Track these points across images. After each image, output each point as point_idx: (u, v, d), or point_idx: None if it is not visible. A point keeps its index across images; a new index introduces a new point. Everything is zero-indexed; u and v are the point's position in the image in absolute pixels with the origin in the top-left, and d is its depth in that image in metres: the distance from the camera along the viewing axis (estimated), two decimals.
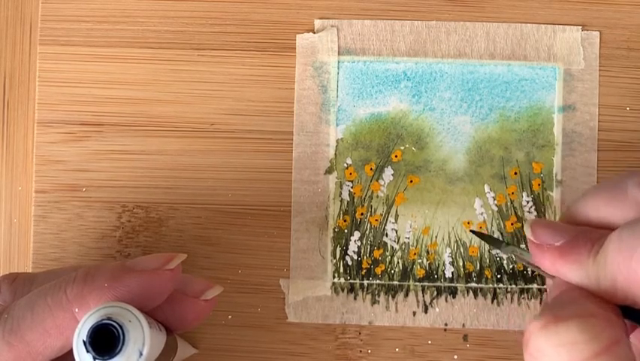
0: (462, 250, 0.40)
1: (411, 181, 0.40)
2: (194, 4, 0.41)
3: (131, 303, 0.30)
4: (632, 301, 0.26)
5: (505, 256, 0.40)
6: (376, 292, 0.40)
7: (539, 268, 0.29)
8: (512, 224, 0.40)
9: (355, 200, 0.40)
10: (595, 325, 0.24)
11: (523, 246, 0.40)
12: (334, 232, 0.40)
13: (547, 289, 0.31)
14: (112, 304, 0.29)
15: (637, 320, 0.27)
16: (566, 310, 0.25)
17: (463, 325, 0.40)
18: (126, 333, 0.28)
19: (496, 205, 0.40)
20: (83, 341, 0.28)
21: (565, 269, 0.27)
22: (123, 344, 0.28)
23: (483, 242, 0.40)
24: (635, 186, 0.27)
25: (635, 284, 0.25)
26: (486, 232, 0.40)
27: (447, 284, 0.40)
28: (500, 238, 0.40)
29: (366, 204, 0.40)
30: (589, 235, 0.27)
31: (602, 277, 0.26)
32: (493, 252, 0.40)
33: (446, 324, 0.40)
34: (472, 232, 0.39)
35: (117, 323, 0.28)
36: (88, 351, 0.28)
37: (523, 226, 0.40)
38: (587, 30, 0.41)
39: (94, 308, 0.29)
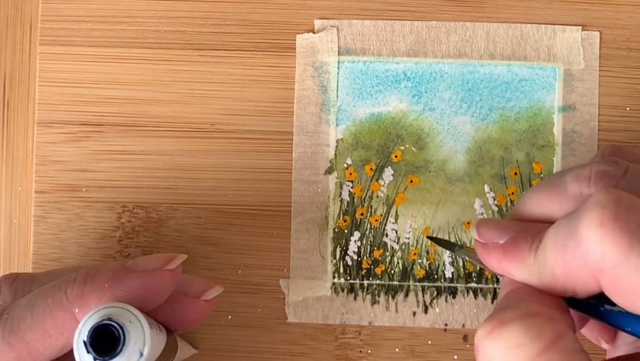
0: None
1: (411, 181, 0.40)
2: (194, 4, 0.41)
3: (132, 303, 0.30)
4: (573, 293, 0.26)
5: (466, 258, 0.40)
6: (376, 293, 0.40)
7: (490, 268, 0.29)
8: None
9: (355, 200, 0.40)
10: (536, 324, 0.25)
11: None
12: (334, 232, 0.40)
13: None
14: (112, 304, 0.29)
15: (585, 310, 0.27)
16: (508, 313, 0.25)
17: (463, 325, 0.40)
18: (126, 333, 0.28)
19: (496, 205, 0.40)
20: (84, 341, 0.28)
21: (509, 267, 0.28)
22: (124, 344, 0.28)
23: None
24: (572, 180, 0.28)
25: (571, 276, 0.26)
26: (439, 237, 0.40)
27: (447, 284, 0.40)
28: (455, 242, 0.40)
29: (366, 205, 0.40)
30: (530, 231, 0.28)
31: (543, 272, 0.26)
32: (450, 254, 0.40)
33: (446, 324, 0.40)
34: (429, 237, 0.39)
35: (117, 324, 0.28)
36: (88, 352, 0.28)
37: None
38: (587, 30, 0.41)
39: (94, 309, 0.29)
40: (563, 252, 0.25)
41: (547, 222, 0.28)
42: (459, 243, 0.40)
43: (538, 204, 0.29)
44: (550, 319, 0.25)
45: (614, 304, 0.26)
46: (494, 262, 0.28)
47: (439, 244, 0.39)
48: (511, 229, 0.28)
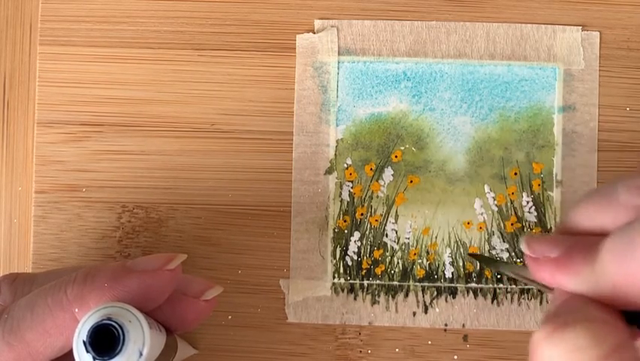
0: (462, 251, 0.40)
1: (411, 181, 0.40)
2: (194, 4, 0.41)
3: (131, 303, 0.30)
4: (634, 305, 0.26)
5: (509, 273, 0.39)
6: (376, 293, 0.40)
7: (537, 282, 0.29)
8: (512, 224, 0.40)
9: (355, 200, 0.40)
10: (600, 329, 0.24)
11: (519, 260, 0.40)
12: (334, 232, 0.40)
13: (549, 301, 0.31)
14: (112, 304, 0.29)
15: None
16: (571, 316, 0.25)
17: (463, 325, 0.40)
18: (126, 333, 0.28)
19: (496, 205, 0.40)
20: (83, 341, 0.28)
21: (564, 280, 0.27)
22: (123, 344, 0.28)
23: (483, 242, 0.40)
24: (624, 191, 0.27)
25: (633, 287, 0.25)
26: (483, 254, 0.40)
27: (447, 284, 0.40)
28: (497, 258, 0.40)
29: (366, 205, 0.40)
30: (584, 244, 0.27)
31: (601, 283, 0.26)
32: (494, 271, 0.40)
33: (446, 324, 0.40)
34: (470, 255, 0.39)
35: (117, 323, 0.28)
36: (88, 351, 0.28)
37: (523, 228, 0.40)
38: (587, 30, 0.41)
39: (94, 308, 0.29)
40: (622, 263, 0.25)
41: (598, 235, 0.27)
42: (500, 258, 0.40)
43: (587, 216, 0.28)
44: (614, 326, 0.25)
45: None
46: (547, 276, 0.28)
47: (481, 262, 0.39)
48: (563, 243, 0.28)
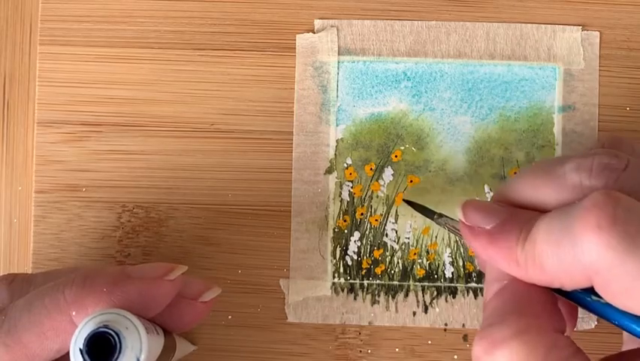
0: (462, 250, 0.40)
1: (411, 181, 0.40)
2: (194, 4, 0.41)
3: (129, 309, 0.29)
4: (560, 285, 0.26)
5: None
6: (376, 293, 0.40)
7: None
8: None
9: (355, 200, 0.40)
10: (528, 341, 0.25)
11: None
12: (334, 232, 0.40)
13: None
14: (109, 310, 0.29)
15: (571, 299, 0.27)
16: (498, 333, 0.25)
17: (463, 325, 0.40)
18: (123, 341, 0.28)
19: None
20: (80, 349, 0.28)
21: (495, 255, 0.27)
22: (120, 352, 0.28)
23: None
24: (572, 170, 0.27)
25: (563, 272, 0.25)
26: (418, 202, 0.39)
27: (447, 284, 0.40)
28: (434, 210, 0.37)
29: (366, 204, 0.40)
30: (518, 218, 0.27)
31: (531, 264, 0.26)
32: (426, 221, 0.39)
33: (446, 324, 0.40)
34: (405, 200, 0.39)
35: (114, 331, 0.28)
36: (85, 360, 0.28)
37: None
38: (587, 30, 0.41)
39: (91, 314, 0.29)
40: (556, 248, 0.25)
41: (537, 209, 0.27)
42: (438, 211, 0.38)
43: (532, 188, 0.28)
44: (539, 331, 0.25)
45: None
46: (479, 248, 0.28)
47: (415, 209, 0.38)
48: (498, 214, 0.28)
